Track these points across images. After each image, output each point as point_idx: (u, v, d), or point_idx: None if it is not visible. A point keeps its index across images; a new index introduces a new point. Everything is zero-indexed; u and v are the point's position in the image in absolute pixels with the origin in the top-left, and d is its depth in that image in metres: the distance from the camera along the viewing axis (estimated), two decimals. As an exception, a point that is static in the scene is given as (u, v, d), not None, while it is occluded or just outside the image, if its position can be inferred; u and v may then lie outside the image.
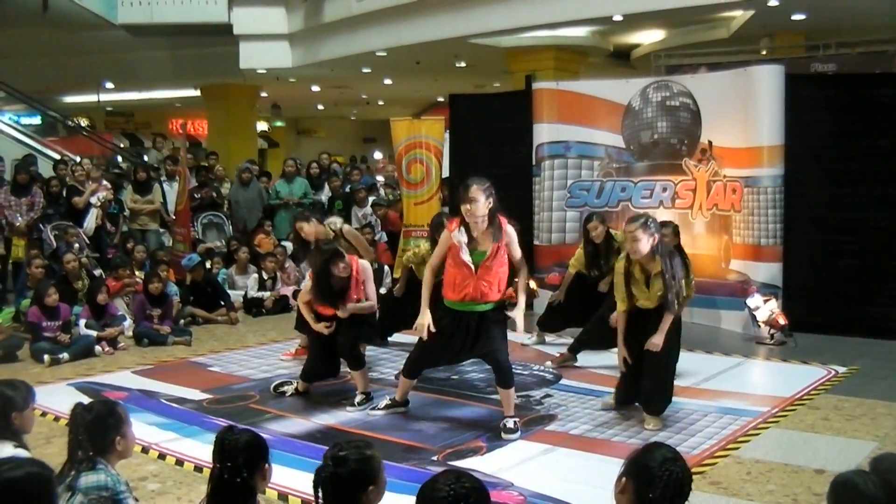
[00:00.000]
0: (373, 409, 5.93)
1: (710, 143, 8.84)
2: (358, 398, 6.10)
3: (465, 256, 5.31)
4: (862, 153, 8.30)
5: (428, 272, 5.55)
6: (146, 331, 8.45)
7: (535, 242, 9.72)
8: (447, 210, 11.01)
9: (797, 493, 4.45)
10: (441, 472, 2.44)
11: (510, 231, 5.40)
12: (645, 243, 5.37)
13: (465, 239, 5.31)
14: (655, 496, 2.41)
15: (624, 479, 2.52)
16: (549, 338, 8.17)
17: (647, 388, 5.65)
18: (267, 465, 2.92)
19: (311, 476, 2.67)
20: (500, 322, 5.51)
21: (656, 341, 5.40)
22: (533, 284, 9.35)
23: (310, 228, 6.87)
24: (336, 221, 7.39)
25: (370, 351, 7.67)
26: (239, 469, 2.81)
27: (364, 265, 6.30)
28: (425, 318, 5.42)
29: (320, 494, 2.63)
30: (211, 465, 2.91)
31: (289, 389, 6.50)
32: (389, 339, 8.05)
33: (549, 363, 7.31)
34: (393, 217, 11.50)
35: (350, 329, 6.18)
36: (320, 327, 6.19)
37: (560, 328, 8.06)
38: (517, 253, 5.51)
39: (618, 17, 12.46)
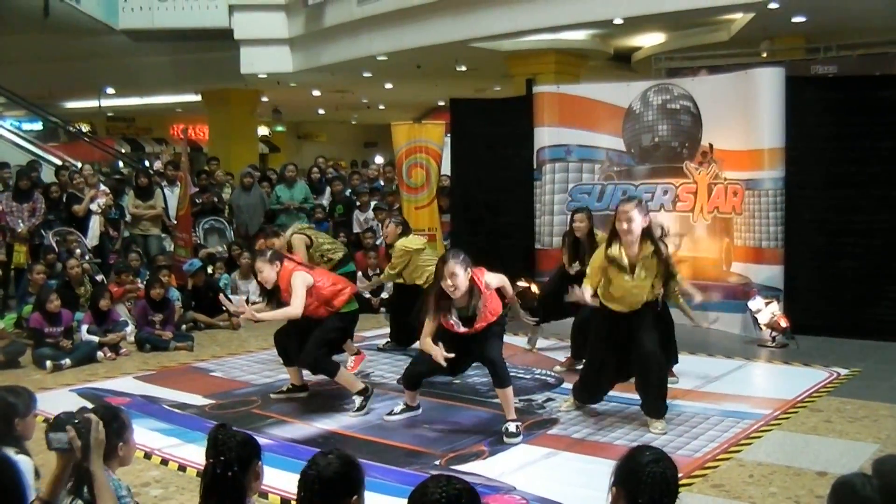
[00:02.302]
0: (388, 414, 5.91)
1: (710, 145, 8.84)
2: (357, 403, 6.06)
3: (460, 329, 5.44)
4: (863, 155, 8.30)
5: (426, 332, 5.52)
6: (148, 336, 8.46)
7: (537, 246, 9.73)
8: (447, 218, 11.01)
9: (799, 495, 4.45)
10: (429, 477, 2.43)
11: (491, 282, 5.48)
12: (639, 224, 5.41)
13: (456, 319, 5.43)
14: (645, 501, 2.42)
15: (615, 489, 2.53)
16: (549, 342, 8.16)
17: (647, 392, 5.63)
18: (260, 463, 2.92)
19: None
20: (495, 332, 5.58)
21: None
22: (534, 287, 9.38)
23: (280, 242, 7.32)
24: (290, 230, 7.92)
25: (370, 356, 7.68)
26: (230, 464, 2.80)
27: (295, 277, 5.98)
28: (435, 351, 5.39)
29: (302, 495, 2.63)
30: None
31: (285, 387, 6.66)
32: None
33: (557, 367, 7.32)
34: (395, 222, 11.48)
35: (314, 338, 6.13)
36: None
37: (546, 319, 7.99)
38: (509, 291, 5.77)
39: (618, 21, 12.46)
